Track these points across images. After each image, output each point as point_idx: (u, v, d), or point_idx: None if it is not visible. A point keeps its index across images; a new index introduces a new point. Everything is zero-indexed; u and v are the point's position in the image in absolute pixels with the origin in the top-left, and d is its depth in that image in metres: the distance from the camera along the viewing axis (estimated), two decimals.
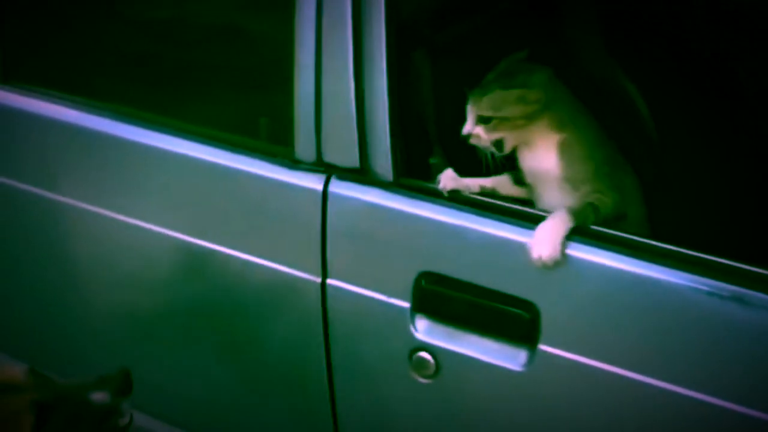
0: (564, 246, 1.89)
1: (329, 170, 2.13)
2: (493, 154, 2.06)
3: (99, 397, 1.88)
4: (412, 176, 2.09)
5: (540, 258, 1.87)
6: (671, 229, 2.03)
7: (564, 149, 2.04)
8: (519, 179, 2.09)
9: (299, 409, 2.33)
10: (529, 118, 2.03)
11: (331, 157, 2.13)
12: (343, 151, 2.11)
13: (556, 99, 2.05)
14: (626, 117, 2.43)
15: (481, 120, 2.03)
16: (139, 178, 2.39)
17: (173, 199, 2.35)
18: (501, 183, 2.07)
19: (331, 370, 2.21)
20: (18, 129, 2.57)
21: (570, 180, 2.02)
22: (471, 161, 2.08)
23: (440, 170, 2.06)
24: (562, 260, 1.88)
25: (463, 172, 2.05)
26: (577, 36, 2.53)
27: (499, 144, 2.04)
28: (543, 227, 1.90)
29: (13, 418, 1.80)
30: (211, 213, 2.30)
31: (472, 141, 2.04)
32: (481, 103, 2.03)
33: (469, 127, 2.04)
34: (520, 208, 2.00)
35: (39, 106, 2.52)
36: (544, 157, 2.05)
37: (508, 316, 1.98)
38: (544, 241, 1.88)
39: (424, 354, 2.07)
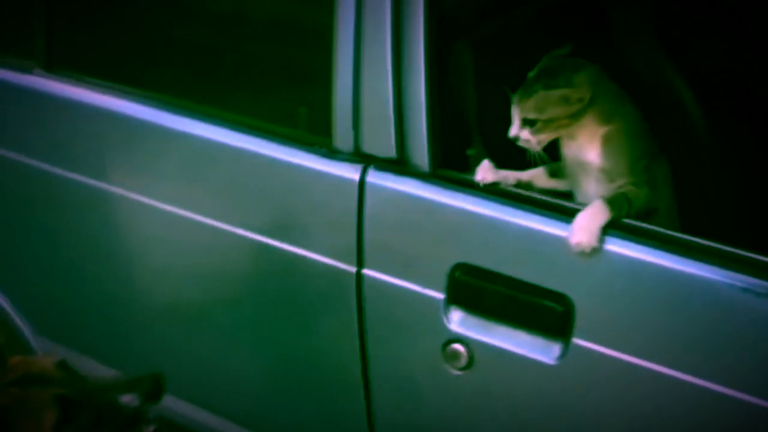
0: (601, 235, 1.88)
1: (367, 160, 2.14)
2: (540, 155, 2.06)
3: (128, 399, 1.84)
4: (449, 167, 2.08)
5: (579, 244, 1.88)
6: (709, 224, 2.02)
7: (606, 142, 2.03)
8: (555, 172, 2.08)
9: (333, 396, 2.34)
10: (574, 117, 2.02)
11: (368, 147, 2.13)
12: (381, 141, 2.11)
13: (600, 94, 2.03)
14: (673, 114, 2.41)
15: (526, 122, 2.02)
16: (179, 167, 2.41)
17: (212, 187, 2.36)
18: (537, 176, 2.07)
19: (366, 359, 2.21)
20: (61, 117, 2.59)
21: (608, 172, 2.02)
22: (510, 153, 2.07)
23: (478, 162, 2.05)
24: (598, 252, 1.88)
25: (502, 164, 2.05)
26: (625, 31, 2.50)
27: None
28: (582, 215, 1.90)
29: (36, 410, 1.79)
30: (249, 202, 2.31)
31: (521, 143, 2.04)
32: (525, 105, 2.01)
33: (515, 130, 2.03)
34: (556, 201, 2.00)
35: (82, 95, 2.54)
36: (586, 148, 2.04)
37: (542, 309, 1.97)
38: (583, 228, 1.89)
39: (457, 346, 2.07)
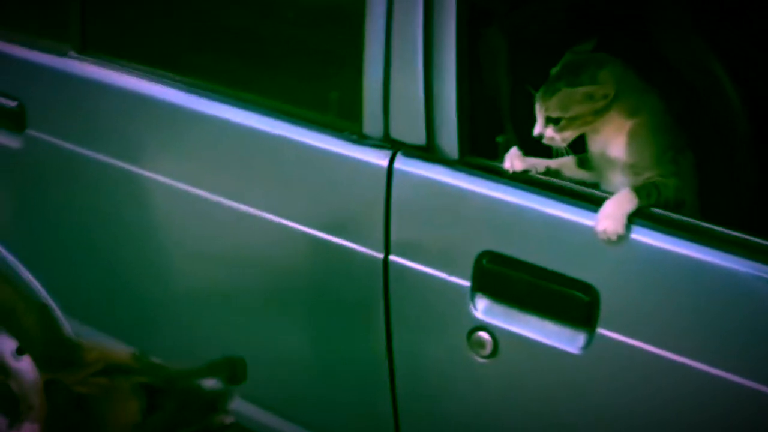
0: (628, 223, 1.87)
1: (396, 146, 2.14)
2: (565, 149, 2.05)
3: (211, 383, 1.87)
4: (478, 154, 2.08)
5: (605, 232, 1.87)
6: (739, 215, 2.01)
7: (632, 136, 2.02)
8: (583, 162, 2.07)
9: (358, 382, 2.35)
10: (599, 113, 2.01)
11: (397, 133, 2.13)
12: (410, 127, 2.11)
13: (625, 88, 2.02)
14: (713, 104, 2.39)
15: (550, 120, 2.01)
16: (209, 151, 2.42)
17: (241, 172, 2.38)
18: (566, 165, 2.06)
19: (391, 345, 2.22)
20: (95, 100, 2.61)
21: (634, 166, 2.01)
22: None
23: (506, 149, 2.05)
24: (624, 242, 1.87)
25: (532, 151, 2.05)
26: (662, 18, 2.49)
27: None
28: (609, 203, 1.90)
29: (122, 399, 1.81)
30: (278, 187, 2.32)
31: (545, 142, 2.03)
32: (548, 104, 2.00)
33: (539, 128, 2.02)
34: (584, 189, 1.99)
35: (116, 78, 2.56)
36: (612, 143, 2.03)
37: (568, 298, 1.96)
38: (609, 215, 1.88)
39: (482, 333, 2.07)
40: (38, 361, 1.94)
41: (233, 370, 1.88)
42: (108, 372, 1.84)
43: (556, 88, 2.00)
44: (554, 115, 2.00)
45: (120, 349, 1.94)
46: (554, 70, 2.04)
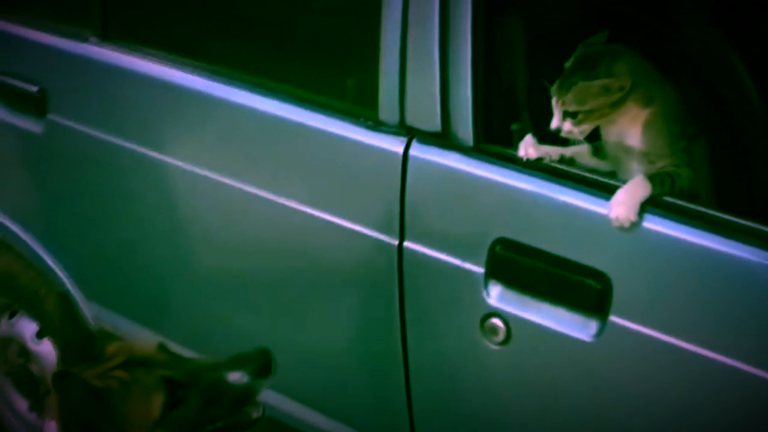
0: (641, 211, 1.88)
1: (411, 133, 2.15)
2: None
3: (236, 377, 1.81)
4: (493, 142, 2.09)
5: (617, 218, 1.87)
6: (753, 206, 2.01)
7: (647, 126, 2.02)
8: (598, 150, 2.08)
9: (373, 366, 2.37)
10: (615, 105, 2.01)
11: (413, 120, 2.14)
12: (426, 114, 2.12)
13: (640, 79, 2.02)
14: (729, 95, 2.39)
15: (568, 114, 2.01)
16: (227, 137, 2.44)
17: (258, 157, 2.39)
18: (580, 153, 2.06)
19: (405, 331, 2.23)
20: (116, 85, 2.63)
21: (649, 154, 2.01)
22: None
23: (521, 136, 2.05)
24: (637, 230, 1.88)
25: (548, 140, 2.05)
26: (680, 14, 2.49)
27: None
28: (622, 189, 1.91)
29: (143, 393, 1.77)
30: (294, 172, 2.33)
31: (563, 135, 2.03)
32: (565, 98, 2.00)
33: (556, 122, 2.03)
34: (598, 178, 1.99)
35: (136, 64, 2.58)
36: (627, 133, 2.04)
37: (580, 286, 1.97)
38: (622, 202, 1.89)
39: (496, 320, 2.08)
40: (58, 350, 1.93)
41: (260, 363, 1.83)
42: (129, 365, 1.80)
43: (572, 82, 2.01)
44: (571, 109, 2.01)
45: (144, 341, 1.89)
46: (568, 64, 2.05)
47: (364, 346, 2.36)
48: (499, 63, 2.14)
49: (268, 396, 1.87)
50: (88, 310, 2.88)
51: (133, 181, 2.66)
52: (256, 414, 1.86)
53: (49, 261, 2.92)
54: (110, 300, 2.87)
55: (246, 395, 1.83)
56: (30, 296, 3.07)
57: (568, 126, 2.02)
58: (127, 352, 1.84)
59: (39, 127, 2.76)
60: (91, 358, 1.82)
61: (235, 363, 1.83)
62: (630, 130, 2.03)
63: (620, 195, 1.90)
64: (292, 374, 2.48)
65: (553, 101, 2.03)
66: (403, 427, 2.32)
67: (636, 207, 1.88)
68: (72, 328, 1.87)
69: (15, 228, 2.98)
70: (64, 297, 1.91)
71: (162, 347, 1.87)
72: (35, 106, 2.75)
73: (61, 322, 1.88)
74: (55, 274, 2.91)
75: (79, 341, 1.86)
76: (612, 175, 2.06)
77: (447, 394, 2.25)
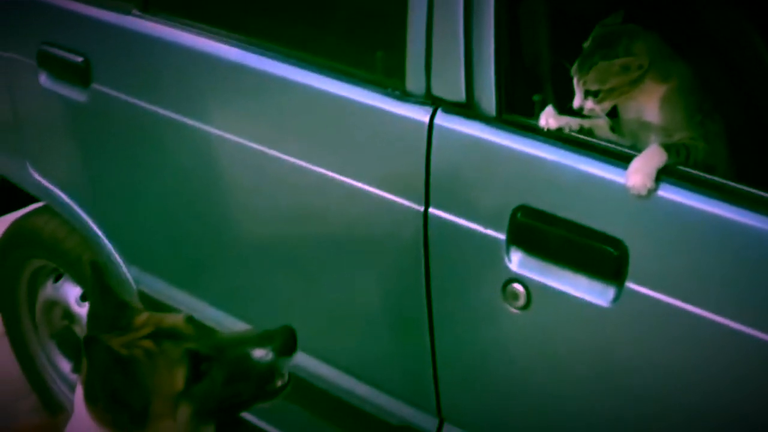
0: (658, 181, 1.92)
1: (436, 103, 2.20)
2: None
3: (261, 354, 1.83)
4: (515, 112, 2.14)
5: (634, 186, 1.92)
6: None
7: (664, 101, 2.07)
8: (615, 125, 2.12)
9: (398, 330, 2.43)
10: (635, 83, 2.06)
11: (438, 90, 2.19)
12: (451, 85, 2.17)
13: (657, 57, 2.07)
14: (747, 70, 2.41)
15: (589, 93, 2.06)
16: (262, 107, 2.50)
17: (292, 126, 2.46)
18: (598, 125, 2.10)
19: (430, 295, 2.29)
20: (157, 57, 2.70)
21: (667, 129, 2.06)
22: None
23: (542, 107, 2.10)
24: (654, 199, 1.92)
25: (567, 110, 2.09)
26: None
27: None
28: (639, 157, 1.95)
29: (168, 365, 1.80)
30: (325, 140, 2.40)
31: (586, 113, 2.08)
32: (586, 78, 2.05)
33: (578, 101, 2.07)
34: (616, 147, 2.03)
35: (176, 35, 2.65)
36: (646, 108, 2.08)
37: (598, 252, 2.02)
38: (638, 170, 1.93)
39: (516, 285, 2.13)
40: (87, 317, 1.96)
41: (285, 341, 1.85)
42: (157, 336, 1.83)
43: (593, 62, 2.05)
44: (593, 88, 2.05)
45: (173, 314, 1.92)
46: (587, 44, 2.10)
47: (390, 310, 2.42)
48: (522, 37, 2.19)
49: (299, 357, 1.93)
50: (129, 273, 2.98)
51: (172, 149, 2.73)
52: (281, 383, 1.89)
53: (93, 226, 3.02)
54: (150, 264, 2.96)
55: (270, 373, 1.86)
56: (74, 260, 3.17)
57: (590, 104, 2.07)
58: (155, 324, 1.86)
59: (83, 96, 2.84)
60: (120, 328, 1.86)
61: (261, 339, 1.85)
62: (648, 105, 2.08)
63: (636, 163, 1.94)
64: (322, 337, 2.56)
65: (575, 80, 2.08)
66: (428, 387, 2.38)
67: (652, 174, 1.92)
68: (102, 297, 1.89)
69: (61, 194, 3.08)
70: (96, 265, 1.92)
71: (190, 319, 1.89)
72: (80, 76, 2.83)
73: (92, 289, 1.90)
74: (98, 238, 3.00)
75: (108, 311, 1.89)
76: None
77: (469, 356, 2.31)
